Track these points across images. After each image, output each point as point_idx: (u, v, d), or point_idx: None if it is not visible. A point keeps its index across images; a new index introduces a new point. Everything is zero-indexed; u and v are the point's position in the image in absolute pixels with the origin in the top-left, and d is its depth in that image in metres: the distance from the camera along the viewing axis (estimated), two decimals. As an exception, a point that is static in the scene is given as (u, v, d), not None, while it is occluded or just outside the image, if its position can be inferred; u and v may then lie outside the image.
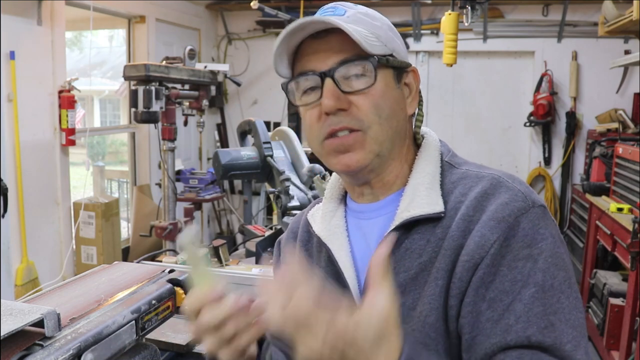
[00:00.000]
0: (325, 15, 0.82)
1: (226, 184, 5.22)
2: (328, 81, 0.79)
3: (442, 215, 0.78)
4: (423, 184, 0.81)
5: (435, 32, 4.83)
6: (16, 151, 3.23)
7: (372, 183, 0.85)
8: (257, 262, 1.96)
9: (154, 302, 0.93)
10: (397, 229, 0.79)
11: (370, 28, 0.81)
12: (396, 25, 4.16)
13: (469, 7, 2.37)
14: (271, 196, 2.12)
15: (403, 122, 0.85)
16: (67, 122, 3.51)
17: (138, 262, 1.60)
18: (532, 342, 0.68)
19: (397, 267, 0.79)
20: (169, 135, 3.29)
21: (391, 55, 0.83)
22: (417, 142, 0.89)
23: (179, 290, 1.00)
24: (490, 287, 0.71)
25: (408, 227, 0.80)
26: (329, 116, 0.80)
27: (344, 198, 0.93)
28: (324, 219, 0.91)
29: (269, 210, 4.04)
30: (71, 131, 3.54)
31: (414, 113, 0.88)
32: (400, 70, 0.84)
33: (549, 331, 0.69)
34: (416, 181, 0.83)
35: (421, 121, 0.89)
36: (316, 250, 0.91)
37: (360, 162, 0.81)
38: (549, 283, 0.71)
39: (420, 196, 0.80)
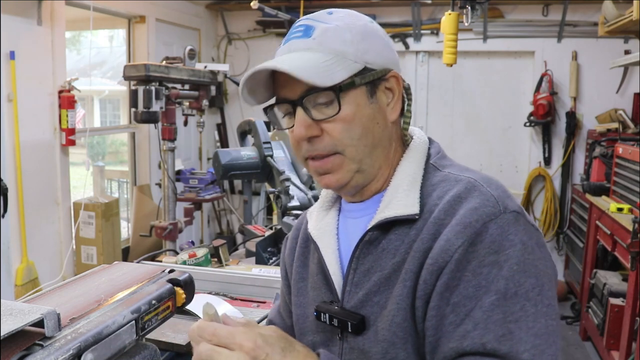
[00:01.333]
0: (293, 38, 0.84)
1: (226, 184, 5.22)
2: (299, 110, 0.82)
3: (417, 217, 0.79)
4: (402, 186, 0.83)
5: (435, 32, 4.83)
6: (16, 151, 3.23)
7: (361, 192, 0.88)
8: (257, 262, 1.96)
9: (154, 302, 0.93)
10: (375, 228, 0.82)
11: (336, 49, 0.80)
12: (396, 25, 4.14)
13: (469, 7, 2.37)
14: (271, 196, 2.12)
15: (382, 133, 0.84)
16: (67, 122, 3.51)
17: (138, 262, 1.60)
18: (488, 349, 0.69)
19: (374, 267, 0.82)
20: (169, 135, 3.29)
21: (364, 69, 0.82)
22: (406, 142, 0.90)
23: (178, 290, 1.00)
24: (454, 292, 0.72)
25: (386, 227, 0.82)
26: (305, 141, 0.83)
27: (339, 197, 0.95)
28: (318, 218, 0.95)
29: (269, 210, 4.05)
30: (71, 131, 3.54)
31: (402, 114, 0.89)
32: (375, 82, 0.83)
33: (505, 339, 0.68)
34: (396, 182, 0.84)
35: (408, 122, 0.89)
36: (312, 247, 0.95)
37: (339, 181, 0.83)
38: (512, 290, 0.70)
39: (398, 197, 0.82)
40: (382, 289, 0.80)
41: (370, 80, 0.83)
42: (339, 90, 0.80)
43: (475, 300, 0.71)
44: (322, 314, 0.86)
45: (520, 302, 0.70)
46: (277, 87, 0.85)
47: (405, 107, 0.89)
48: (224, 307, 1.53)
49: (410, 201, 0.81)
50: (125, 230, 4.57)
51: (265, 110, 0.89)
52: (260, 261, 1.94)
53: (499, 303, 0.70)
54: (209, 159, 5.37)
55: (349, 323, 0.81)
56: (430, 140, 0.91)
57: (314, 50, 0.81)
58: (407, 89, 0.89)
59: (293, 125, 0.83)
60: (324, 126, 0.81)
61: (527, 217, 0.77)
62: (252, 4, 3.75)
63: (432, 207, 0.79)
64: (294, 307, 0.97)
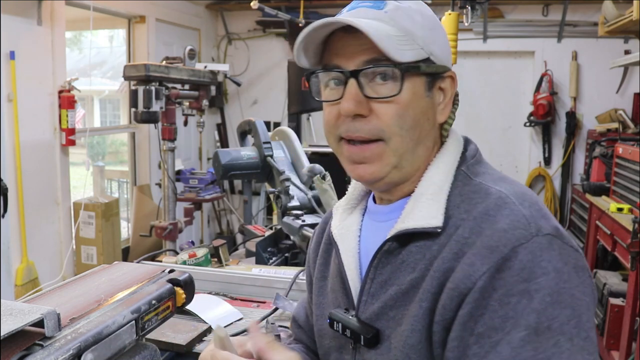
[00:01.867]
0: (363, 6, 0.76)
1: (226, 184, 5.22)
2: (351, 82, 0.74)
3: (438, 230, 0.73)
4: (426, 194, 0.76)
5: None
6: (16, 151, 3.23)
7: (391, 191, 0.82)
8: (257, 262, 1.96)
9: (154, 302, 0.93)
10: (394, 238, 0.76)
11: (407, 28, 0.74)
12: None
13: (469, 7, 2.37)
14: (271, 196, 2.12)
15: (429, 131, 0.79)
16: (67, 122, 3.51)
17: (138, 262, 1.60)
18: None
19: (392, 279, 0.76)
20: (169, 135, 3.29)
21: (427, 59, 0.76)
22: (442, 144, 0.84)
23: (178, 290, 1.00)
24: (479, 322, 0.66)
25: (408, 238, 0.76)
26: (347, 119, 0.76)
27: (367, 195, 0.90)
28: (342, 217, 0.89)
29: (269, 210, 4.05)
30: (71, 131, 3.54)
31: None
32: (435, 75, 0.78)
33: None
34: (421, 189, 0.77)
35: (450, 124, 0.83)
36: (331, 244, 0.91)
37: (374, 174, 0.77)
38: (545, 325, 0.64)
39: (420, 207, 0.75)
40: (398, 303, 0.75)
41: (432, 72, 0.77)
42: (404, 70, 0.74)
43: (501, 332, 0.64)
44: (335, 322, 0.82)
45: (553, 337, 0.63)
46: (330, 54, 0.77)
47: (451, 112, 0.83)
48: (224, 307, 1.53)
49: (434, 212, 0.74)
50: (125, 230, 4.57)
51: (309, 75, 0.80)
52: (260, 261, 1.94)
53: (529, 339, 0.63)
54: (209, 159, 5.37)
55: (362, 337, 0.77)
56: (468, 141, 0.84)
57: (386, 23, 0.73)
58: (456, 95, 0.83)
59: (336, 99, 0.76)
60: (375, 106, 0.74)
61: (564, 238, 0.69)
62: (252, 4, 3.75)
63: (458, 221, 0.72)
64: (315, 307, 0.93)
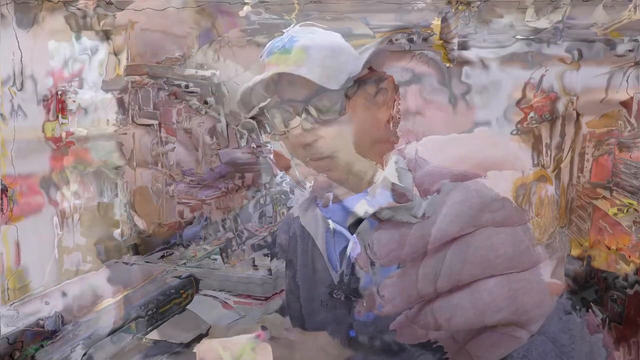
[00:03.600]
0: (276, 52, 0.91)
1: (229, 183, 5.21)
2: (299, 115, 0.88)
3: (409, 207, 0.88)
4: (390, 180, 0.91)
5: (433, 33, 4.83)
6: (5, 155, 3.22)
7: (356, 188, 0.95)
8: (265, 255, 1.99)
9: (155, 301, 0.93)
10: (367, 219, 0.91)
11: (319, 58, 0.88)
12: (394, 27, 4.11)
13: (467, 9, 2.37)
14: (271, 197, 2.13)
15: (380, 131, 0.94)
16: (59, 128, 3.50)
17: (149, 255, 1.63)
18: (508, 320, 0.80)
19: (371, 251, 0.90)
20: (168, 135, 3.29)
21: (367, 70, 0.90)
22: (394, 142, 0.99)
23: (183, 289, 1.01)
24: (461, 274, 0.83)
25: (377, 219, 0.90)
26: (299, 147, 0.90)
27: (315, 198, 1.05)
28: (305, 213, 1.05)
29: (269, 211, 4.05)
30: (65, 135, 3.53)
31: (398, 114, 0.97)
32: (378, 81, 0.93)
33: (519, 311, 0.82)
34: (384, 177, 0.92)
35: (397, 125, 0.98)
36: (306, 236, 1.05)
37: (337, 181, 0.92)
38: (514, 264, 0.83)
39: (388, 192, 0.91)
40: (382, 268, 0.89)
41: (377, 78, 0.92)
42: (345, 92, 0.88)
43: (481, 278, 0.82)
44: (335, 291, 0.95)
45: (521, 275, 0.83)
46: (278, 90, 0.90)
47: (396, 108, 0.97)
48: (218, 311, 1.54)
49: (402, 192, 0.90)
50: (124, 231, 4.56)
51: (257, 116, 0.94)
52: (268, 254, 1.96)
53: (506, 279, 0.82)
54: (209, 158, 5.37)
55: (364, 296, 0.91)
56: (406, 143, 0.99)
57: (300, 64, 0.87)
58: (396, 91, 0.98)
59: (290, 129, 0.89)
60: (320, 131, 0.88)
61: (507, 198, 0.90)
62: (244, 8, 3.75)
63: (420, 199, 0.89)
64: (302, 291, 1.05)
